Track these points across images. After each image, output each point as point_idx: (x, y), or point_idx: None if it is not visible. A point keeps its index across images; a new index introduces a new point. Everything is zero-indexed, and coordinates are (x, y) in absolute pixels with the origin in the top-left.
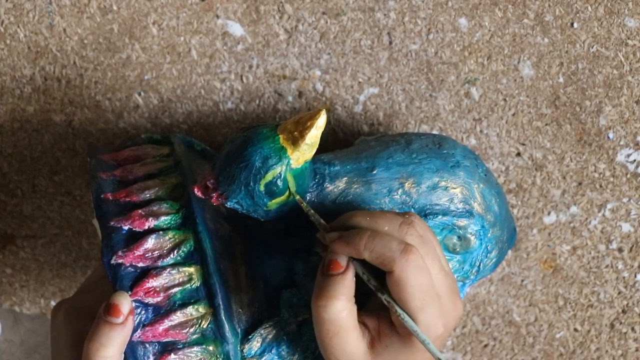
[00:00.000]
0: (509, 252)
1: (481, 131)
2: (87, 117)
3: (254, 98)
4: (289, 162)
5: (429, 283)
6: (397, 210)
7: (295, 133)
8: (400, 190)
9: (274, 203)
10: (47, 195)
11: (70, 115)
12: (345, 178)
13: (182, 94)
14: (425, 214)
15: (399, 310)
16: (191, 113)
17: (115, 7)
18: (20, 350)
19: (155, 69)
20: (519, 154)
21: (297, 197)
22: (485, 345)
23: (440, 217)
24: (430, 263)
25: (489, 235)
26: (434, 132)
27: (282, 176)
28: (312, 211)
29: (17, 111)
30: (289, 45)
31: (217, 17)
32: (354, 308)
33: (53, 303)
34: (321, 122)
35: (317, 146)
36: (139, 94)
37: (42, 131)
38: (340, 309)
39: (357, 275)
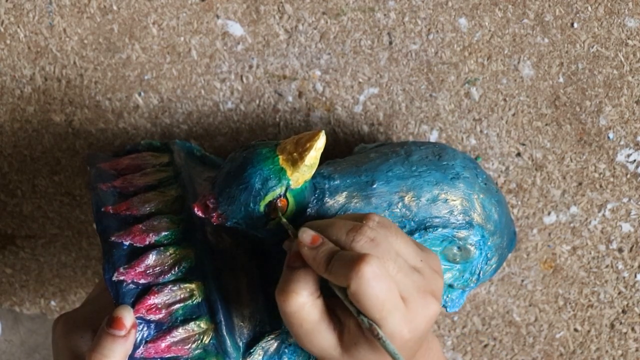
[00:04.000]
0: None
1: (481, 131)
2: (87, 117)
3: (254, 98)
4: (288, 183)
5: (386, 292)
6: (397, 224)
7: (295, 154)
8: (400, 204)
9: (273, 222)
10: (47, 195)
11: (70, 115)
12: (345, 192)
13: (182, 94)
14: (425, 227)
15: (382, 335)
16: (191, 113)
17: (115, 7)
18: (20, 350)
19: (155, 69)
20: (519, 154)
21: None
22: (485, 345)
23: (440, 229)
24: (386, 267)
25: (489, 243)
26: (434, 132)
27: (282, 197)
28: (285, 221)
29: (17, 111)
30: (289, 45)
31: (217, 17)
32: (318, 301)
33: (53, 303)
34: (320, 143)
35: (316, 167)
36: (139, 94)
37: (42, 131)
38: (300, 304)
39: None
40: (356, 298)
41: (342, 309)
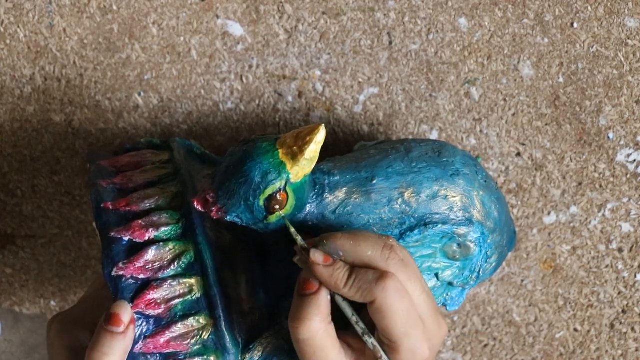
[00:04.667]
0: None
1: (481, 131)
2: (87, 117)
3: (254, 98)
4: (288, 177)
5: (410, 307)
6: (397, 220)
7: (295, 148)
8: (400, 200)
9: (273, 217)
10: (47, 195)
11: (70, 115)
12: (345, 188)
13: (182, 94)
14: (425, 223)
15: (386, 358)
16: (191, 113)
17: (115, 7)
18: (20, 350)
19: (155, 69)
20: (519, 154)
21: (283, 216)
22: (485, 345)
23: (440, 226)
24: (413, 286)
25: (489, 241)
26: (434, 132)
27: (282, 191)
28: (294, 230)
29: (17, 111)
30: (289, 45)
31: (217, 17)
32: (330, 327)
33: (53, 303)
34: (320, 137)
35: (316, 160)
36: (139, 94)
37: (42, 131)
38: (314, 330)
39: (343, 316)
40: (381, 312)
41: (354, 335)
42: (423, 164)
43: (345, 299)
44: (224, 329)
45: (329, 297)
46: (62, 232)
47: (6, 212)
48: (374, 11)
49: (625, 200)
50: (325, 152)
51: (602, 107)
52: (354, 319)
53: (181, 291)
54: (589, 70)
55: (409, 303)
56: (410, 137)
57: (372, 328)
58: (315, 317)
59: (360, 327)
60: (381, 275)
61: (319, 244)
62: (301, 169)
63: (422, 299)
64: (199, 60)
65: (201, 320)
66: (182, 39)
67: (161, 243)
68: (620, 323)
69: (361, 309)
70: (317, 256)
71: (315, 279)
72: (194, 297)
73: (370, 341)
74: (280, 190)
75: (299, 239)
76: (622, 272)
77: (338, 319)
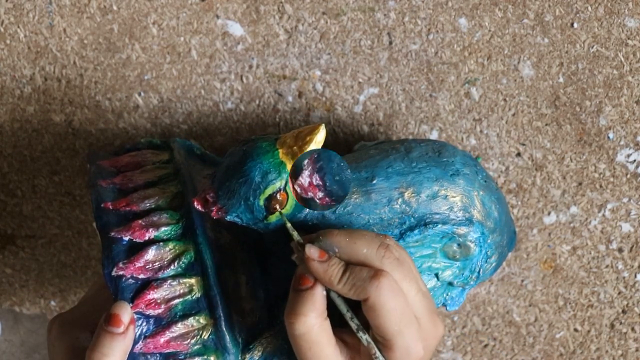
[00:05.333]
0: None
1: (481, 131)
2: (87, 117)
3: (254, 98)
4: (288, 177)
5: (404, 306)
6: (397, 220)
7: (295, 148)
8: (400, 200)
9: (273, 217)
10: (47, 195)
11: (70, 115)
12: None
13: (182, 94)
14: (425, 223)
15: (379, 355)
16: (191, 113)
17: (115, 7)
18: (20, 350)
19: (155, 69)
20: (519, 154)
21: (280, 212)
22: (485, 345)
23: (440, 226)
24: (408, 286)
25: (489, 241)
26: (434, 132)
27: (282, 191)
28: (290, 225)
29: (17, 111)
30: (289, 45)
31: (217, 17)
32: (326, 323)
33: (53, 303)
34: (320, 137)
35: None
36: (139, 94)
37: (42, 131)
38: (310, 325)
39: (340, 313)
40: (374, 310)
41: (349, 332)
42: (423, 164)
43: (340, 295)
44: (224, 329)
45: (324, 292)
46: (62, 232)
47: (6, 212)
48: (374, 11)
49: (625, 200)
50: None
51: (602, 107)
52: (348, 315)
53: (181, 291)
54: (589, 70)
55: (403, 302)
56: (410, 137)
57: (368, 326)
58: (310, 312)
59: (354, 323)
60: (375, 273)
61: (315, 240)
62: None
63: (417, 298)
64: (199, 60)
65: (201, 320)
66: (182, 39)
67: (161, 243)
68: (620, 323)
69: (358, 308)
70: (312, 251)
71: (310, 274)
72: (194, 297)
73: (365, 337)
74: (280, 190)
75: (295, 234)
76: (622, 272)
77: (335, 317)
